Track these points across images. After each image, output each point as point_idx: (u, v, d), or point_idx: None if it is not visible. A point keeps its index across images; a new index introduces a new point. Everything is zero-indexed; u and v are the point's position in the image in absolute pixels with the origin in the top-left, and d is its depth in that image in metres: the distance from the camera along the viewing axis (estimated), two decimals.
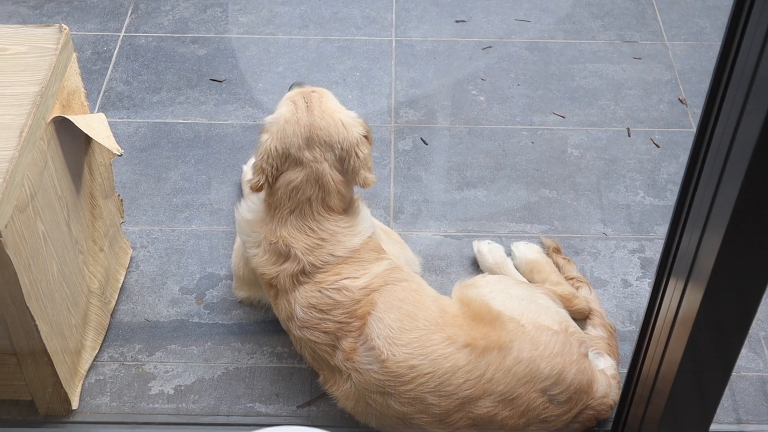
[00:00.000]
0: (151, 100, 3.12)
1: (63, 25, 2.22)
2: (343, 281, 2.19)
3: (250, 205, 2.34)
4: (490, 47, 3.37)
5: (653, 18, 3.51)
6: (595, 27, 3.47)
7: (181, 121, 3.05)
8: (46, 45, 2.18)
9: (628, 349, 2.46)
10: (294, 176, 2.23)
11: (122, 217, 2.59)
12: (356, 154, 2.23)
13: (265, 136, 2.26)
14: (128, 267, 2.61)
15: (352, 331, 2.16)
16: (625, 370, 2.32)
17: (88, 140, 2.34)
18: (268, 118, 2.27)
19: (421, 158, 2.95)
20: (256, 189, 2.26)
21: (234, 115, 3.07)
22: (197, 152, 2.94)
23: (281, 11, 3.50)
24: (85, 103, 2.34)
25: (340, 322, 2.16)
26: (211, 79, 3.20)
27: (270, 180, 2.25)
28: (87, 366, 2.37)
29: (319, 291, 2.19)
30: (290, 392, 2.35)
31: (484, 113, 3.12)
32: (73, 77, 2.27)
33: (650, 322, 1.69)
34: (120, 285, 2.56)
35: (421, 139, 3.01)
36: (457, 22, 3.48)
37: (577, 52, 3.36)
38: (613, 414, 2.21)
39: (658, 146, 3.02)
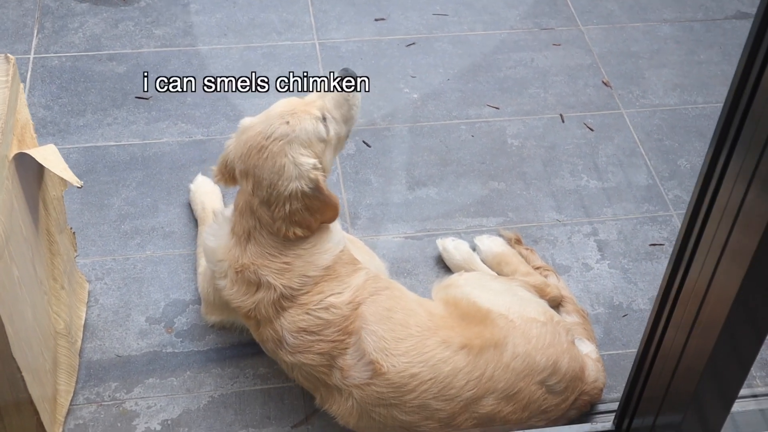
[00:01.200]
0: (76, 123, 2.98)
1: (8, 54, 2.09)
2: (329, 299, 2.15)
3: (214, 229, 2.27)
4: (413, 44, 3.38)
5: (564, 4, 3.59)
6: (512, 17, 3.53)
7: (113, 143, 2.92)
8: None
9: (600, 332, 2.52)
10: (239, 200, 2.18)
11: (75, 251, 2.46)
12: (283, 205, 2.09)
13: (230, 141, 2.21)
14: (87, 302, 2.48)
15: (347, 348, 2.12)
16: (606, 353, 2.40)
17: (41, 174, 2.21)
18: (242, 122, 2.19)
19: (367, 161, 2.93)
20: (216, 180, 2.27)
21: (168, 133, 2.97)
22: (137, 174, 2.83)
23: (196, 21, 3.40)
24: (34, 135, 2.22)
25: (334, 341, 2.12)
26: (136, 97, 3.08)
27: (226, 181, 2.23)
28: (64, 411, 2.25)
29: (307, 313, 2.13)
30: (281, 413, 2.30)
31: (420, 110, 3.12)
32: (23, 109, 2.14)
33: (668, 298, 1.72)
34: (83, 322, 2.43)
35: (364, 141, 2.99)
36: (376, 20, 3.46)
37: (499, 43, 3.41)
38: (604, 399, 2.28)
39: (592, 130, 3.10)
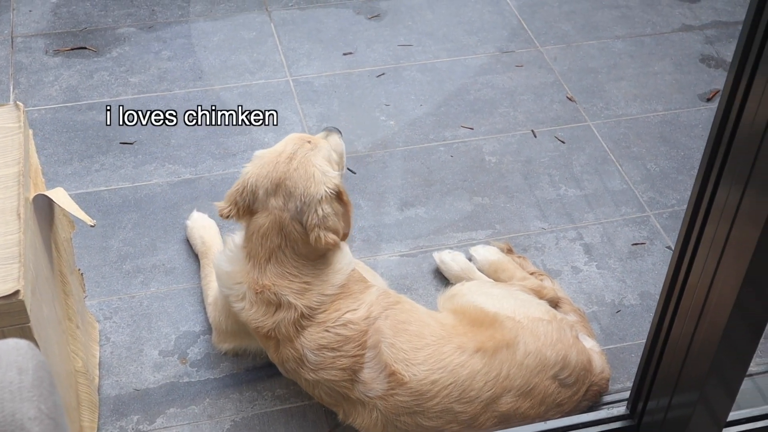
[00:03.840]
0: (64, 172, 3.02)
1: (18, 102, 2.15)
2: (345, 315, 2.22)
3: (228, 255, 2.33)
4: (383, 74, 3.50)
5: (521, 28, 3.76)
6: (473, 43, 3.68)
7: (104, 188, 2.97)
8: (7, 124, 2.10)
9: (597, 328, 2.64)
10: (262, 222, 2.25)
11: (84, 292, 2.50)
12: (316, 210, 2.20)
13: (246, 168, 2.28)
14: (99, 341, 2.52)
15: (367, 362, 2.20)
16: (605, 347, 2.51)
17: (52, 217, 2.26)
18: (257, 152, 2.29)
19: (354, 187, 3.02)
20: (224, 216, 2.28)
21: (156, 174, 3.03)
22: (131, 216, 2.88)
23: (169, 67, 3.47)
24: (43, 180, 2.27)
25: (354, 356, 2.20)
26: (121, 143, 3.14)
27: (240, 212, 2.26)
28: None
29: (326, 330, 2.21)
30: (305, 431, 2.35)
31: (398, 136, 3.24)
32: (34, 154, 2.20)
33: (674, 288, 1.84)
34: (97, 360, 2.47)
35: (348, 168, 3.08)
36: (344, 54, 3.58)
37: (464, 68, 3.55)
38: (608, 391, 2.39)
39: (563, 142, 3.24)
